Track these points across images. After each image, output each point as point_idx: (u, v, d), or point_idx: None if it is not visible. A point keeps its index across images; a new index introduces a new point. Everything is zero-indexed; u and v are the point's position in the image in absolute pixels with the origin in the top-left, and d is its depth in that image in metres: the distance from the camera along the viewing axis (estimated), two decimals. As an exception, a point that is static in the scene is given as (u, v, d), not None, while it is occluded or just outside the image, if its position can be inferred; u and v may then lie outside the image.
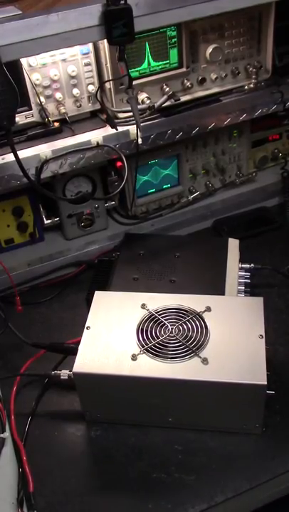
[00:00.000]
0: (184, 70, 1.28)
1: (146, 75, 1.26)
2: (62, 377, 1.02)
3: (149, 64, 1.25)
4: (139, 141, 1.26)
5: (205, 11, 1.10)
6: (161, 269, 1.25)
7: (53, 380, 1.05)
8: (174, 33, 1.23)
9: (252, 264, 1.25)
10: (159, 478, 0.92)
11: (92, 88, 1.26)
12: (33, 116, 1.25)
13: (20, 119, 1.22)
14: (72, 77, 1.24)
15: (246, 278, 1.22)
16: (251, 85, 1.35)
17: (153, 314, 1.03)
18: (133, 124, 1.23)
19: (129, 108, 1.19)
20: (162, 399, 0.96)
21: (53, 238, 1.43)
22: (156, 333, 1.00)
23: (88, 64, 1.24)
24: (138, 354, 0.97)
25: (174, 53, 1.26)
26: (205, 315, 1.02)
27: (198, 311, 1.03)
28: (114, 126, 1.25)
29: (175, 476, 0.92)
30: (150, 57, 1.24)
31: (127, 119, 1.26)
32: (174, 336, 0.99)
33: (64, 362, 1.10)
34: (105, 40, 1.05)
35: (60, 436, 1.01)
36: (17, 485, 0.89)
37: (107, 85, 1.24)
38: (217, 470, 0.92)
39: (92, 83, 1.26)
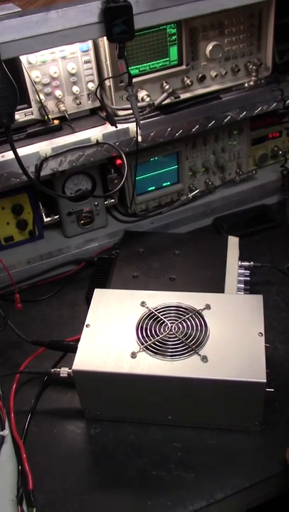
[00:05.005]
0: (183, 67, 1.28)
1: (146, 73, 1.26)
2: (61, 375, 1.02)
3: (148, 61, 1.25)
4: (139, 138, 1.26)
5: (205, 8, 1.10)
6: (161, 267, 1.25)
7: (52, 377, 1.05)
8: (173, 31, 1.23)
9: (251, 262, 1.25)
10: (159, 475, 0.92)
11: (91, 86, 1.26)
12: (32, 113, 1.24)
13: (19, 116, 1.22)
14: (72, 75, 1.23)
15: (246, 276, 1.22)
16: (251, 83, 1.35)
17: (152, 312, 1.03)
18: (133, 122, 1.23)
19: (129, 106, 1.19)
20: (162, 397, 0.96)
21: (53, 236, 1.44)
22: (155, 331, 1.00)
23: (88, 61, 1.23)
24: (137, 352, 0.97)
25: (173, 51, 1.26)
26: (204, 313, 1.02)
27: (198, 308, 1.03)
28: (113, 123, 1.24)
29: (174, 473, 0.92)
30: (150, 54, 1.24)
31: (127, 117, 1.26)
32: (174, 334, 0.99)
33: (64, 359, 1.10)
34: (105, 38, 1.05)
35: (60, 434, 1.01)
36: (17, 482, 0.89)
37: (107, 83, 1.24)
38: (216, 468, 0.92)
39: (92, 81, 1.26)
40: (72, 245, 1.41)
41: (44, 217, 1.37)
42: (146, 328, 1.01)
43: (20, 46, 0.99)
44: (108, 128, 1.26)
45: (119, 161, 1.30)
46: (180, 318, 1.02)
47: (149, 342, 0.98)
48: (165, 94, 1.26)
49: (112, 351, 0.97)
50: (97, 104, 1.29)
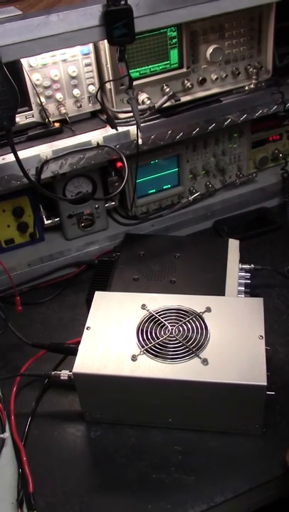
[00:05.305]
0: (184, 70, 1.28)
1: (146, 76, 1.26)
2: (62, 378, 1.02)
3: (149, 64, 1.25)
4: (140, 141, 1.26)
5: (205, 12, 1.10)
6: (162, 270, 1.25)
7: (53, 380, 1.05)
8: (174, 34, 1.23)
9: (252, 265, 1.25)
10: (159, 478, 0.92)
11: (92, 88, 1.26)
12: (33, 116, 1.25)
13: (20, 119, 1.22)
14: (73, 78, 1.24)
15: (246, 278, 1.22)
16: (251, 86, 1.35)
17: (153, 315, 1.03)
18: (133, 125, 1.23)
19: (130, 108, 1.19)
20: (162, 399, 0.96)
21: (53, 238, 1.44)
22: (156, 334, 1.00)
23: (89, 64, 1.24)
24: (138, 355, 0.97)
25: (174, 54, 1.26)
26: (205, 315, 1.02)
27: (198, 311, 1.03)
28: (114, 126, 1.25)
29: (175, 476, 0.92)
30: (150, 57, 1.24)
31: (128, 120, 1.26)
32: (174, 337, 0.99)
33: (64, 362, 1.10)
34: (106, 41, 1.05)
35: (60, 437, 1.01)
36: (17, 485, 0.89)
37: (108, 86, 1.24)
38: (217, 471, 0.92)
39: (93, 83, 1.26)
40: (73, 248, 1.41)
41: (45, 219, 1.37)
42: (146, 331, 1.01)
43: (21, 49, 0.99)
44: (109, 131, 1.26)
45: (119, 164, 1.31)
46: (180, 320, 1.02)
47: (150, 345, 0.98)
48: (165, 97, 1.27)
49: (113, 354, 0.97)
50: (98, 106, 1.29)
